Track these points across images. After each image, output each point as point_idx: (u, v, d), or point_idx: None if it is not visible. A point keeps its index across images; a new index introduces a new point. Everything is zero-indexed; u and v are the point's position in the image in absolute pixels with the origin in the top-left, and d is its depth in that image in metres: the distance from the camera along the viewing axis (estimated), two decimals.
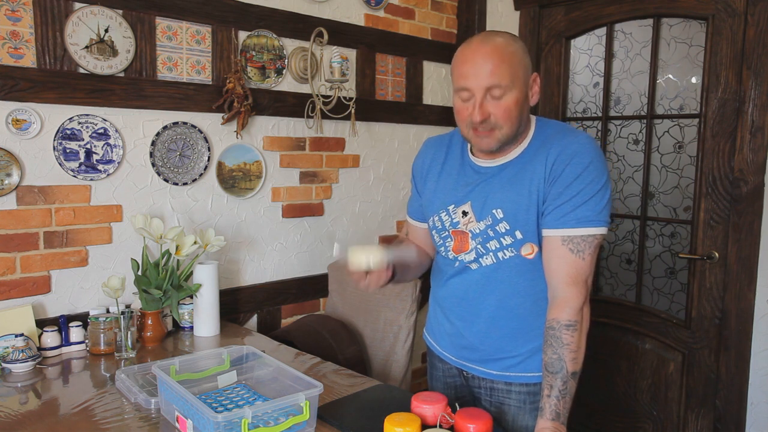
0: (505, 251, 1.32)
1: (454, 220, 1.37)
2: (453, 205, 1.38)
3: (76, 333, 1.76)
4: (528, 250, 1.30)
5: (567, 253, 1.23)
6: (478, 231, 1.33)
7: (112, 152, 1.89)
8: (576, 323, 1.21)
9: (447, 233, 1.39)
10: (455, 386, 1.52)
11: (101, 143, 1.87)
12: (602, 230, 1.24)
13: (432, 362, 1.59)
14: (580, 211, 1.22)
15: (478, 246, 1.34)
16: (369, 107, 2.60)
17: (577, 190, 1.23)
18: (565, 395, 1.17)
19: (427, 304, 2.91)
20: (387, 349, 2.22)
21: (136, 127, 1.95)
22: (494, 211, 1.31)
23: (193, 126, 2.07)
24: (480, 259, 1.35)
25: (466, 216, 1.35)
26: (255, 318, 2.32)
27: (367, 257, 1.29)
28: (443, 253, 1.42)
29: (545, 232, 1.27)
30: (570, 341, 1.19)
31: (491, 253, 1.33)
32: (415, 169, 1.55)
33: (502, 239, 1.31)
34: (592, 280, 1.27)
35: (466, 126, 1.28)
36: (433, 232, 1.44)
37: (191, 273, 1.92)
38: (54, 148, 1.78)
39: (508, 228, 1.30)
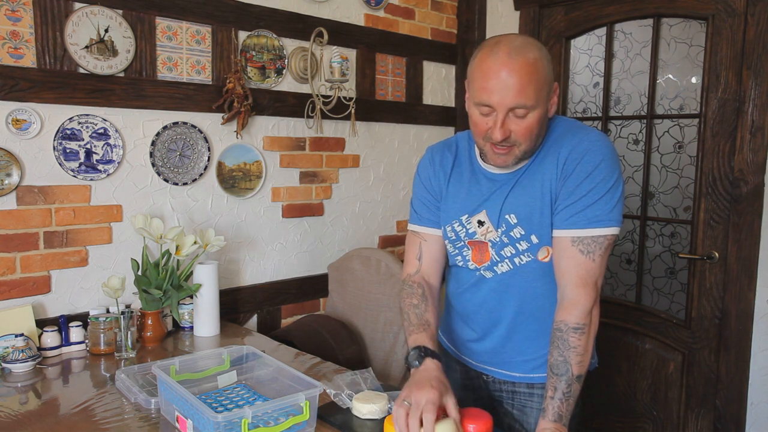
0: (521, 256, 1.30)
1: (470, 231, 1.34)
2: (467, 215, 1.35)
3: (76, 333, 1.76)
4: (544, 254, 1.28)
5: (577, 254, 1.21)
6: (497, 240, 1.31)
7: (112, 152, 1.89)
8: (584, 326, 1.19)
9: (462, 243, 1.36)
10: (473, 388, 1.50)
11: (101, 143, 1.87)
12: (613, 230, 1.21)
13: (449, 364, 1.54)
14: (591, 210, 1.20)
15: (494, 254, 1.32)
16: (369, 107, 2.60)
17: (587, 189, 1.20)
18: (569, 398, 1.16)
19: None
20: (387, 349, 2.22)
21: (136, 127, 1.95)
22: (507, 216, 1.29)
23: (193, 126, 2.07)
24: (495, 267, 1.33)
25: (482, 225, 1.32)
26: (255, 318, 2.32)
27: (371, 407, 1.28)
28: (460, 263, 1.39)
29: (555, 233, 1.24)
30: (577, 344, 1.18)
31: (507, 260, 1.31)
32: (423, 177, 1.46)
33: (517, 245, 1.29)
34: (602, 282, 1.24)
35: (483, 139, 1.25)
36: (446, 241, 1.41)
37: (191, 273, 1.92)
38: (54, 148, 1.78)
39: (523, 233, 1.28)
